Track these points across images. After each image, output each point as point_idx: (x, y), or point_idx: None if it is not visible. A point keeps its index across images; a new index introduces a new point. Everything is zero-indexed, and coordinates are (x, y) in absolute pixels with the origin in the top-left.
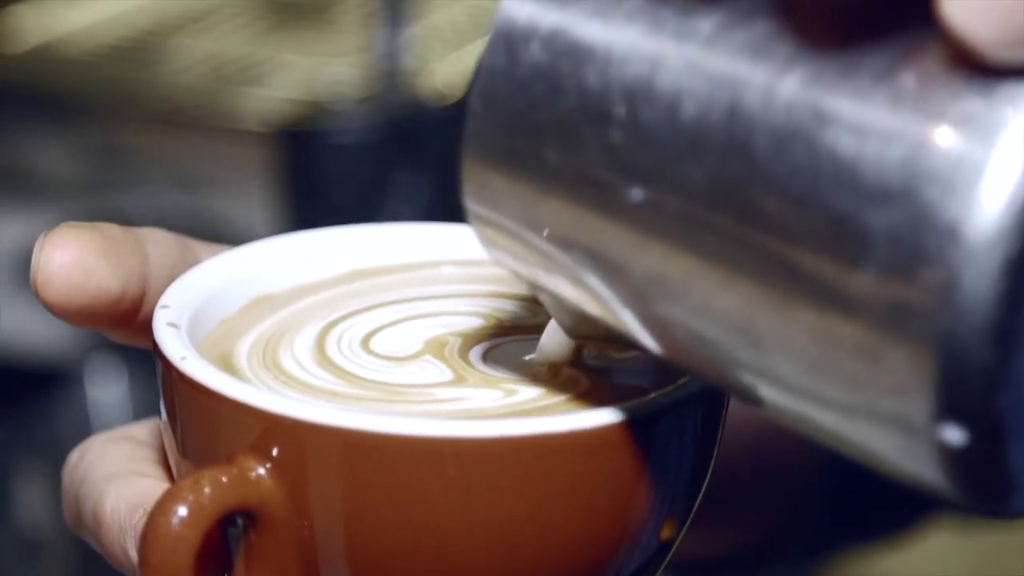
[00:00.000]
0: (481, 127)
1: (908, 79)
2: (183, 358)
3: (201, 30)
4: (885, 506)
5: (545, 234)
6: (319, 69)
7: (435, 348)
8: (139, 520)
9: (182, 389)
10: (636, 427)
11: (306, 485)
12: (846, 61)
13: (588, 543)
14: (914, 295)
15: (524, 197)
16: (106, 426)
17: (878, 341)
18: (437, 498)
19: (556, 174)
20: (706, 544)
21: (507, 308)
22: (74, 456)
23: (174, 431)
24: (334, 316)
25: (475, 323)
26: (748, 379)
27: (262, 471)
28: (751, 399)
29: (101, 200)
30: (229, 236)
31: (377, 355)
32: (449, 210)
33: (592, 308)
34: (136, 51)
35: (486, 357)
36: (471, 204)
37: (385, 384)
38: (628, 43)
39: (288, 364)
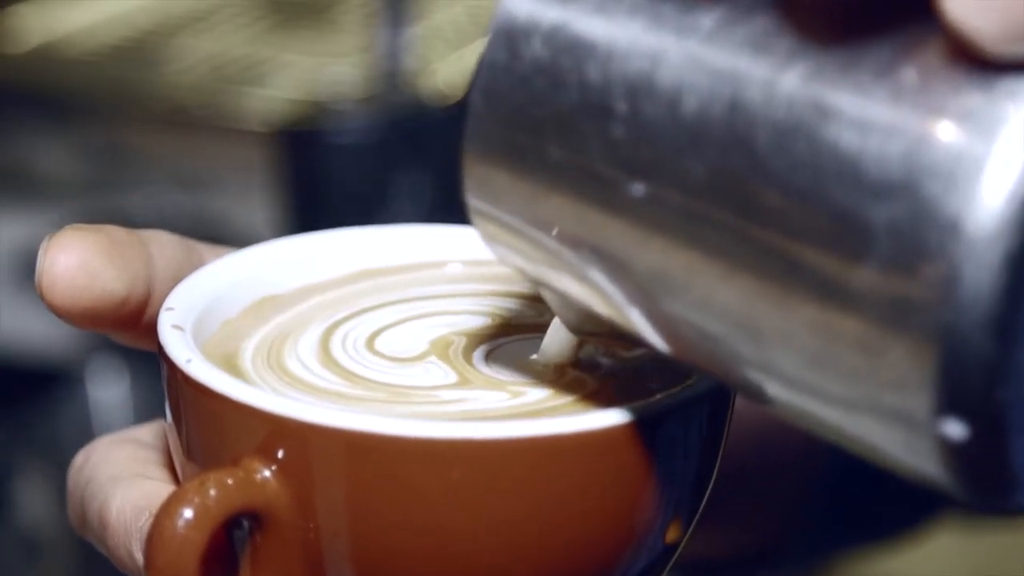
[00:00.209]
0: (482, 123)
1: (909, 74)
2: (188, 361)
3: (202, 30)
4: (888, 505)
5: (546, 229)
6: (320, 69)
7: (440, 348)
8: (145, 523)
9: (187, 392)
10: (642, 428)
11: (312, 487)
12: (847, 56)
13: (594, 544)
14: (915, 289)
15: (525, 193)
16: (107, 426)
17: (879, 335)
18: (443, 500)
19: (557, 169)
20: (709, 544)
21: (513, 307)
22: (79, 458)
23: (179, 433)
24: (338, 316)
25: (480, 322)
26: (749, 374)
27: (267, 473)
28: (753, 394)
29: (102, 200)
30: (230, 236)
31: (382, 356)
32: (451, 210)
33: (594, 303)
34: (137, 51)
35: (491, 357)
36: (472, 200)
37: (390, 386)
38: (629, 38)
39: (293, 365)
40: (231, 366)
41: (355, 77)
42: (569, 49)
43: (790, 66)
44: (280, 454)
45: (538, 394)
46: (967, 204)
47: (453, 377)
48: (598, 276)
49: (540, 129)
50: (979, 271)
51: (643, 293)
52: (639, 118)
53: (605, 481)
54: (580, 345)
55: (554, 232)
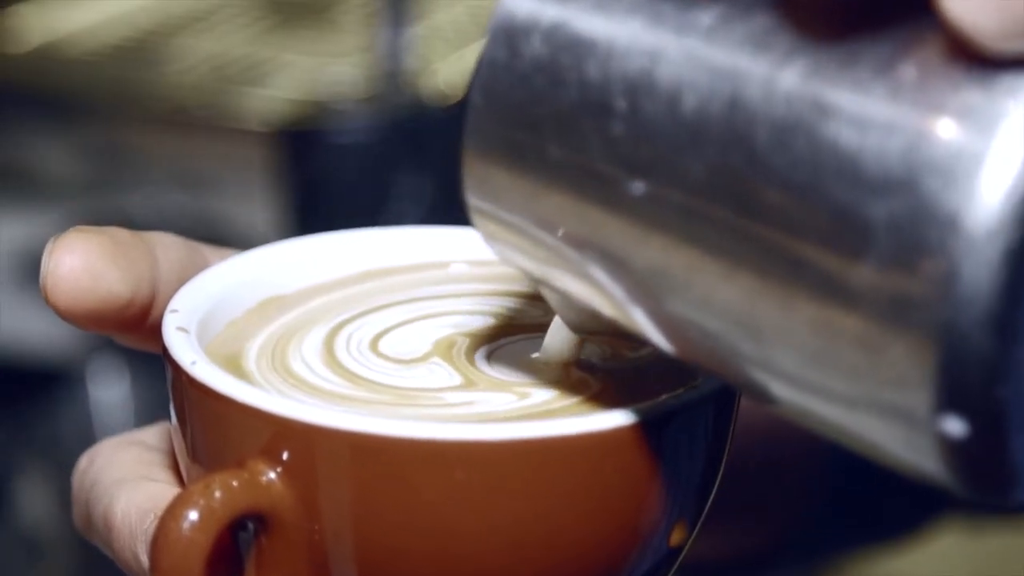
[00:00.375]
0: (482, 121)
1: (908, 71)
2: (193, 363)
3: (203, 30)
4: (890, 506)
5: (546, 228)
6: (321, 69)
7: (443, 349)
8: (150, 525)
9: (192, 394)
10: (647, 429)
11: (317, 489)
12: (846, 53)
13: (599, 546)
14: (914, 286)
15: (525, 191)
16: (108, 426)
17: (879, 333)
18: (448, 502)
19: (557, 167)
20: (712, 545)
21: (517, 306)
22: (83, 461)
23: (184, 435)
24: (342, 317)
25: (484, 323)
26: (750, 372)
27: (273, 475)
28: (754, 392)
29: (103, 200)
30: (231, 236)
31: (386, 358)
32: (452, 210)
33: (595, 301)
34: (138, 51)
35: (496, 358)
36: (472, 198)
37: (395, 388)
38: (629, 36)
39: (297, 366)
40: (235, 368)
41: (356, 77)
42: (569, 47)
43: (789, 63)
44: (285, 456)
45: (543, 395)
46: (966, 200)
47: (458, 379)
48: (598, 274)
49: (540, 127)
50: (978, 267)
51: (643, 291)
52: (639, 116)
53: (610, 482)
54: (581, 344)
55: (553, 230)
